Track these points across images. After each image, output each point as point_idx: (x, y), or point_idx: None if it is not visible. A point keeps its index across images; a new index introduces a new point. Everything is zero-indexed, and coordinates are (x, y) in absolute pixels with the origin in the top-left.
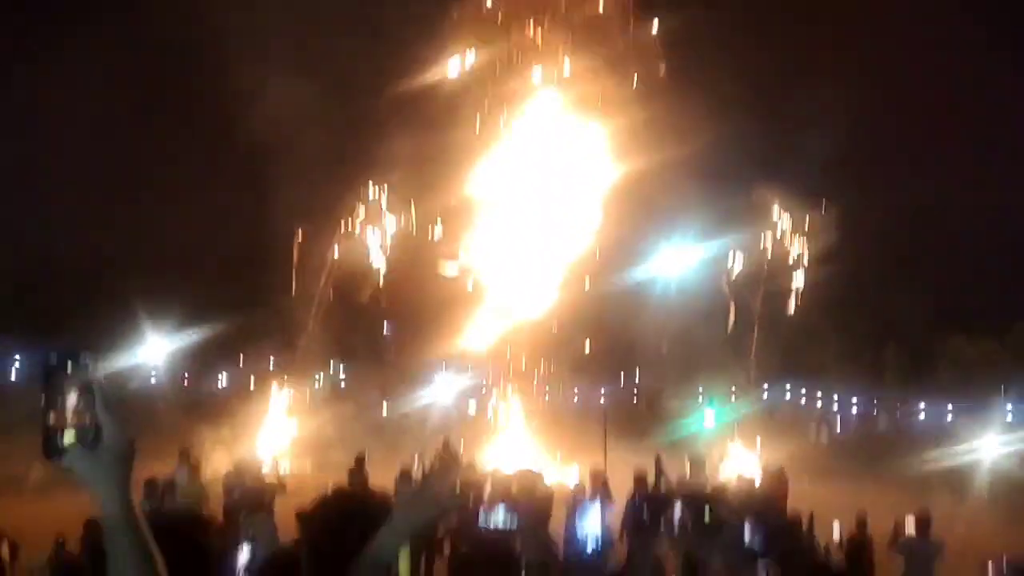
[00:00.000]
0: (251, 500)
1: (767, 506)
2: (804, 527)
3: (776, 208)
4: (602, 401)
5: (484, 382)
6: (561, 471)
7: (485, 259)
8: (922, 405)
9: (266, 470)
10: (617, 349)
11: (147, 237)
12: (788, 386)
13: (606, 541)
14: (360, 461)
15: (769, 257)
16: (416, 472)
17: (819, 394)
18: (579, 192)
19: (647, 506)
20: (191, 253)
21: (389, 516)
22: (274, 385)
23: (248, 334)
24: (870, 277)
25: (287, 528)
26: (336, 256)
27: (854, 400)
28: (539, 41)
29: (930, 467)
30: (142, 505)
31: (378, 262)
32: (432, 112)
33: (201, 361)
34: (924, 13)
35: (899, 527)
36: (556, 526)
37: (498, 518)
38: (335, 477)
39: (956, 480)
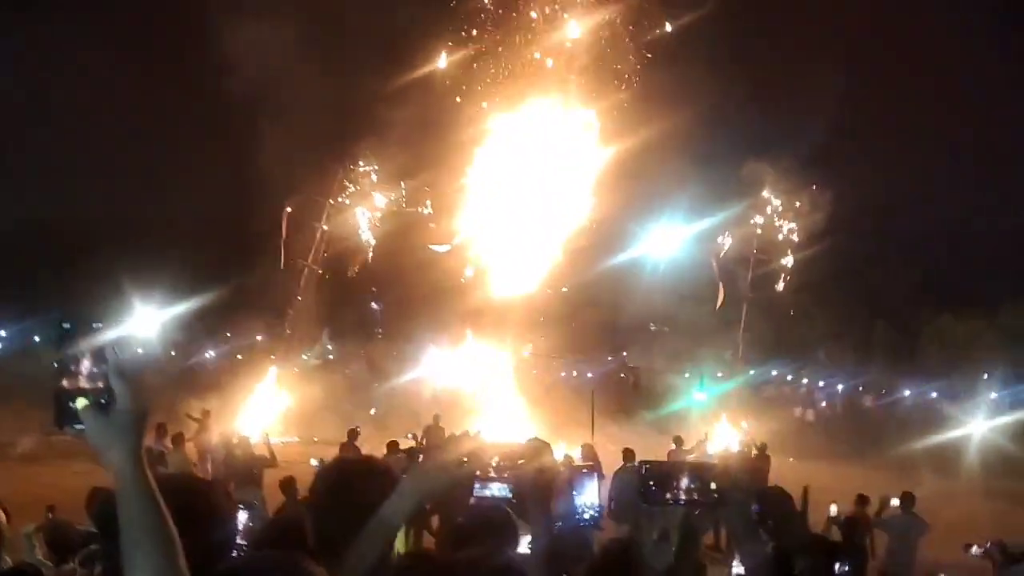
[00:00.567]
0: (239, 472)
1: (757, 481)
2: (799, 502)
3: (766, 188)
4: (589, 376)
5: (473, 359)
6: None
7: (476, 237)
8: (908, 386)
9: (256, 443)
10: (607, 327)
11: (134, 208)
12: (775, 365)
13: (601, 512)
14: (352, 434)
15: (758, 237)
16: (409, 444)
17: (806, 373)
18: (571, 171)
19: (654, 475)
20: (179, 225)
21: (399, 484)
22: (263, 358)
23: (236, 307)
24: (859, 256)
25: (275, 502)
26: (325, 230)
27: (840, 380)
28: (533, 22)
29: (916, 446)
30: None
31: (367, 236)
32: (423, 90)
33: (189, 333)
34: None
35: (884, 504)
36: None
37: (494, 489)
38: (325, 451)
39: (942, 459)
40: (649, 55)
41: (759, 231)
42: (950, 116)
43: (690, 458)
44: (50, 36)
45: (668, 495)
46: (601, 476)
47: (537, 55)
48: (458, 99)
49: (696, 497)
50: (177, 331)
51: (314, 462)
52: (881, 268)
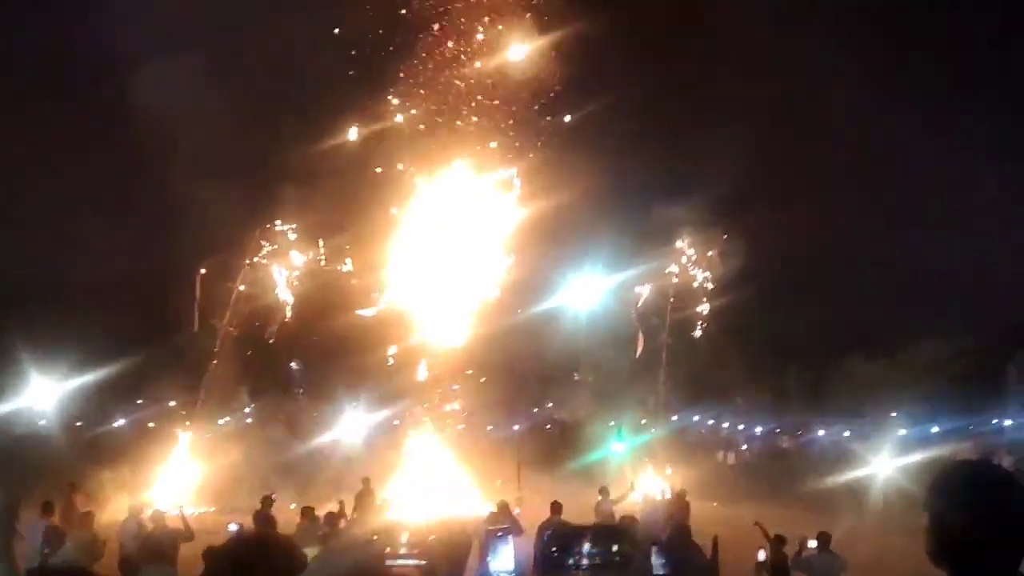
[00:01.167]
0: (152, 549)
1: (673, 532)
2: (709, 552)
3: (680, 239)
4: (515, 428)
5: (397, 418)
6: (475, 503)
7: (399, 295)
8: (821, 426)
9: (171, 514)
10: (531, 378)
11: (41, 271)
12: (696, 411)
13: (521, 573)
14: (266, 501)
15: (674, 285)
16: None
17: (726, 418)
18: (490, 227)
19: (557, 540)
20: (88, 288)
21: (308, 567)
22: (177, 425)
23: (149, 372)
24: (770, 302)
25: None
26: (241, 290)
27: (758, 424)
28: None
29: (831, 485)
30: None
31: (285, 296)
32: (340, 151)
33: (97, 401)
34: (819, 48)
35: (802, 545)
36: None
37: (405, 562)
38: (243, 520)
39: (855, 497)
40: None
41: (675, 280)
42: (859, 166)
43: (615, 508)
44: None
45: (571, 560)
46: (517, 534)
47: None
48: (378, 170)
49: (598, 561)
50: (84, 400)
51: (233, 527)
52: (792, 313)
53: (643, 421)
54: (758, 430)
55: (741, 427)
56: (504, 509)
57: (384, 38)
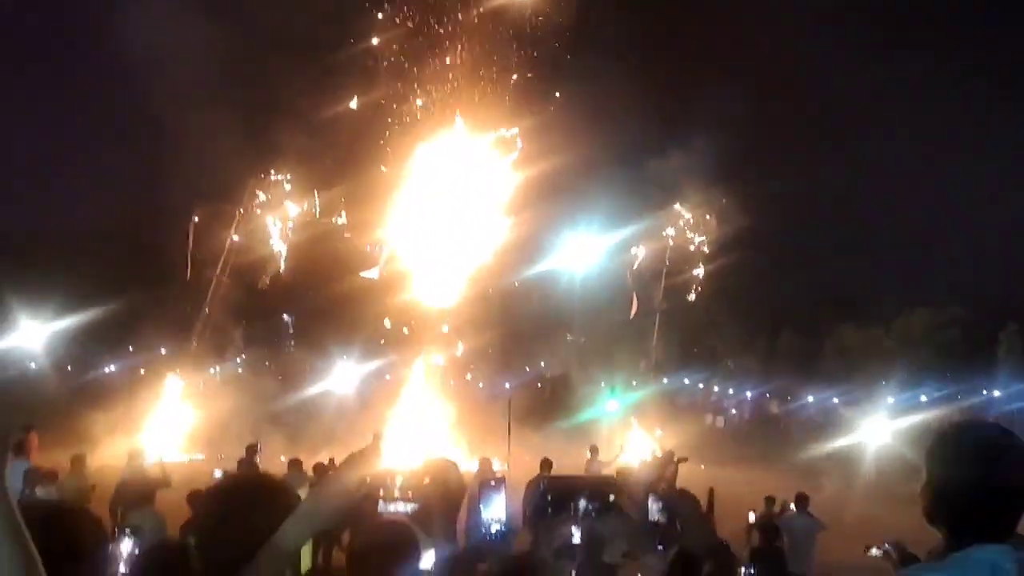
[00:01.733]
0: (132, 494)
1: (668, 484)
2: (705, 504)
3: (678, 202)
4: (507, 386)
5: (388, 372)
6: (463, 459)
7: (394, 248)
8: (811, 392)
9: (151, 462)
10: (523, 338)
11: (36, 219)
12: (687, 374)
13: (510, 528)
14: (251, 450)
15: (671, 249)
16: (322, 464)
17: (716, 381)
18: (488, 186)
19: (552, 495)
20: (82, 236)
21: (297, 507)
22: (167, 373)
23: (140, 320)
24: (765, 268)
25: (175, 522)
26: (235, 240)
27: (748, 388)
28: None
29: (819, 451)
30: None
31: (279, 247)
32: (340, 103)
33: (87, 346)
34: (820, 5)
35: (784, 507)
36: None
37: (399, 507)
38: (229, 468)
39: (843, 463)
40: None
41: (671, 242)
42: (853, 134)
43: (606, 469)
44: None
45: (566, 510)
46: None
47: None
48: (385, 137)
49: (593, 510)
50: (75, 345)
51: (218, 473)
52: (786, 279)
53: (634, 382)
54: (748, 394)
55: (731, 391)
56: (485, 465)
57: None
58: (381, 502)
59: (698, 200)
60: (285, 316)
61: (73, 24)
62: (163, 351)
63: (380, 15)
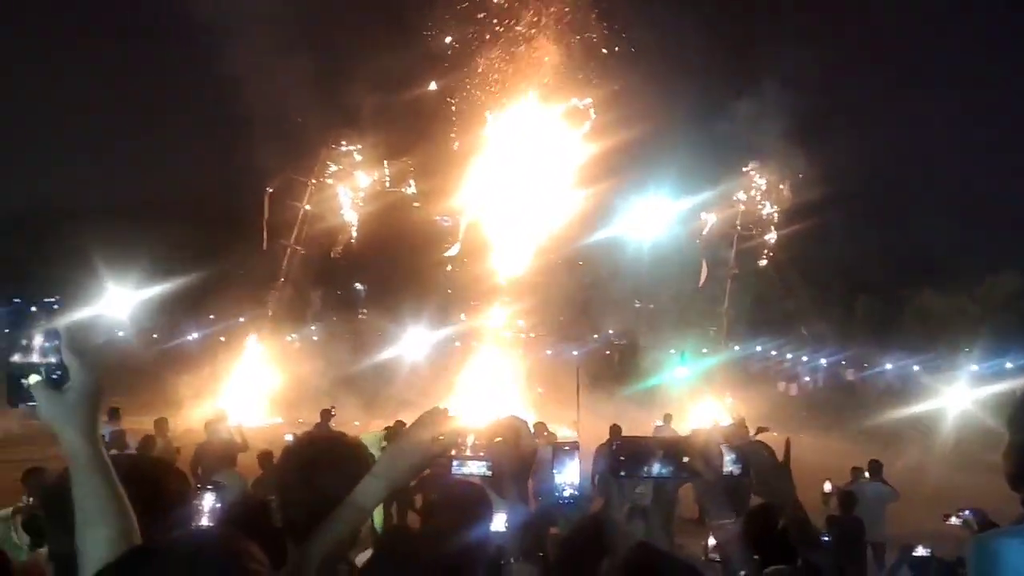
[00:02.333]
0: (212, 456)
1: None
2: (781, 454)
3: (749, 165)
4: (575, 353)
5: (458, 339)
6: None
7: (464, 216)
8: (890, 359)
9: (231, 427)
10: (592, 305)
11: (118, 191)
12: (759, 341)
13: (583, 493)
14: (326, 414)
15: (742, 213)
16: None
17: (789, 348)
18: (557, 153)
19: (625, 452)
20: (162, 207)
21: (373, 466)
22: (245, 340)
23: (219, 288)
24: (841, 232)
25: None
26: (308, 210)
27: (823, 355)
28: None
29: (896, 419)
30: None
31: (350, 216)
32: (409, 73)
33: (171, 315)
34: None
35: (855, 475)
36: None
37: (472, 467)
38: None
39: (922, 431)
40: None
41: (742, 207)
42: (932, 95)
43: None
44: (27, 19)
45: (639, 470)
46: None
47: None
48: (452, 103)
49: (666, 472)
50: (159, 313)
51: (289, 437)
52: (863, 243)
53: (704, 350)
54: (823, 361)
55: (805, 358)
56: (540, 430)
57: None
58: (454, 463)
59: (770, 163)
60: (357, 284)
61: (155, 8)
62: (242, 319)
63: None
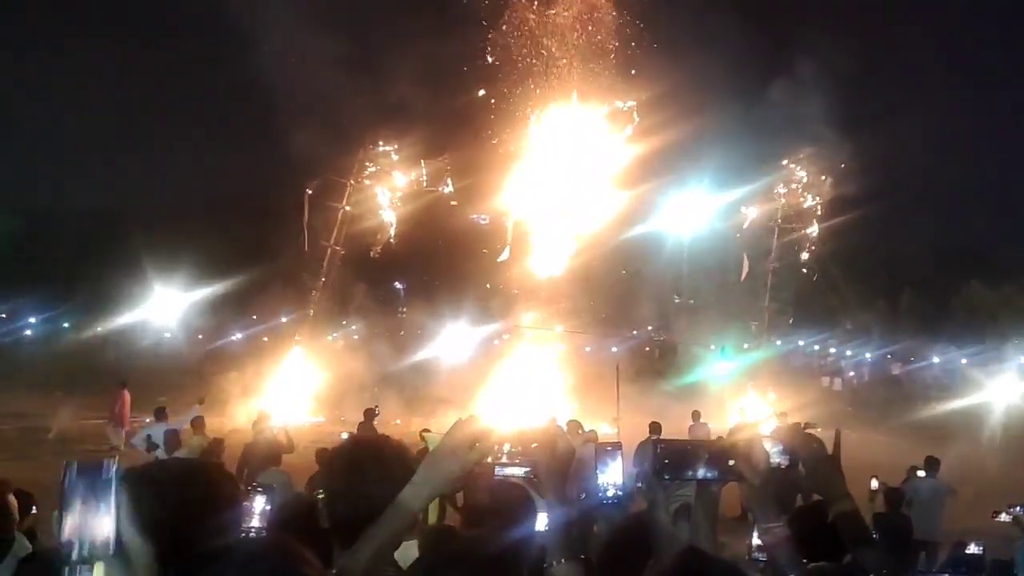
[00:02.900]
0: (258, 457)
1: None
2: (831, 446)
3: (791, 159)
4: (614, 350)
5: (497, 338)
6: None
7: (503, 214)
8: (936, 352)
9: (276, 428)
10: (631, 300)
11: (158, 195)
12: (802, 335)
13: (626, 493)
14: (369, 413)
15: (783, 207)
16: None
17: (833, 343)
18: (597, 150)
19: (668, 453)
20: (203, 210)
21: (416, 472)
22: (288, 340)
23: (262, 289)
24: (885, 224)
25: (299, 481)
26: (347, 210)
27: (868, 349)
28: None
29: (944, 413)
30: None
31: (388, 216)
32: (446, 71)
33: (216, 316)
34: None
35: (910, 473)
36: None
37: (512, 470)
38: (351, 431)
39: (970, 425)
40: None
41: (783, 201)
42: (977, 85)
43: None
44: (68, 22)
45: (683, 473)
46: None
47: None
48: (481, 92)
49: (711, 476)
50: (204, 314)
51: (345, 436)
52: (908, 235)
53: (745, 345)
54: (867, 356)
55: (849, 352)
56: (573, 428)
57: None
58: (497, 468)
59: (812, 155)
60: (397, 283)
61: (196, 11)
62: (284, 319)
63: None
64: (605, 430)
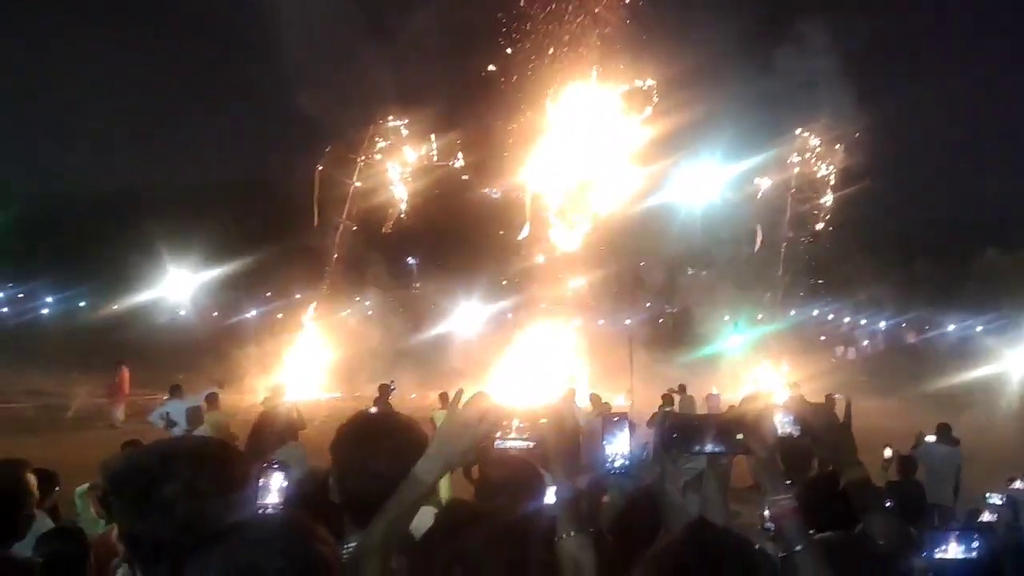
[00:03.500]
0: (271, 433)
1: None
2: (841, 415)
3: (804, 129)
4: (627, 323)
5: (510, 312)
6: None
7: (516, 187)
8: (951, 321)
9: (287, 406)
10: (645, 272)
11: (169, 174)
12: (816, 306)
13: (633, 463)
14: (384, 388)
15: (796, 177)
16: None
17: (847, 313)
18: (614, 132)
19: (677, 431)
20: (214, 189)
21: (429, 446)
22: (302, 316)
23: (275, 266)
24: (899, 193)
25: (314, 457)
26: (358, 186)
27: (882, 318)
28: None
29: (959, 381)
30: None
31: (399, 192)
32: (456, 46)
33: (230, 294)
34: None
35: (919, 439)
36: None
37: (515, 443)
38: (367, 406)
39: (986, 393)
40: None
41: (797, 171)
42: (992, 51)
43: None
44: (79, 5)
45: (691, 447)
46: (634, 427)
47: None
48: (491, 67)
49: (719, 449)
50: (218, 291)
51: (373, 411)
52: (922, 204)
53: (759, 316)
54: (882, 325)
55: (863, 322)
56: (595, 400)
57: None
58: (498, 440)
59: (825, 124)
60: (410, 259)
61: None
62: (298, 295)
63: None
64: (619, 402)
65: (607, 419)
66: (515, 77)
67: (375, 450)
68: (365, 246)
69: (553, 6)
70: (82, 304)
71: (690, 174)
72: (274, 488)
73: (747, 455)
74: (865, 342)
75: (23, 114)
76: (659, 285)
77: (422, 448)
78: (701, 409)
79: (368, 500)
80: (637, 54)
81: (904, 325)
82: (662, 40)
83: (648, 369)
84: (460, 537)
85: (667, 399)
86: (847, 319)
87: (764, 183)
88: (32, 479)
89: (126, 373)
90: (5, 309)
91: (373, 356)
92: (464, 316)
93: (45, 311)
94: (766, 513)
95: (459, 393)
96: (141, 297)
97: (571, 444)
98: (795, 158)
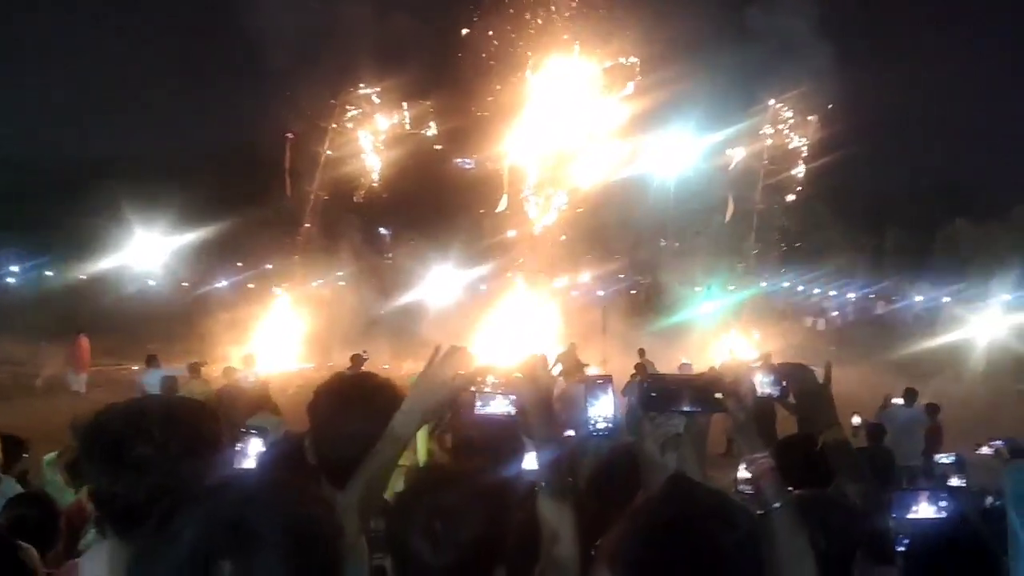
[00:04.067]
0: (246, 400)
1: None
2: (821, 376)
3: (776, 99)
4: (600, 294)
5: (484, 283)
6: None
7: (489, 155)
8: (920, 291)
9: (252, 378)
10: (617, 242)
11: (140, 142)
12: (787, 276)
13: (616, 425)
14: (356, 359)
15: (768, 147)
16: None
17: (818, 283)
18: (582, 90)
19: (656, 391)
20: (184, 157)
21: (405, 400)
22: (273, 286)
23: (246, 236)
24: (870, 164)
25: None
26: (329, 155)
27: (852, 289)
28: None
29: (927, 349)
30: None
31: (371, 161)
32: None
33: (200, 263)
34: None
35: (886, 401)
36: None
37: (496, 406)
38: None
39: (954, 362)
40: None
41: (769, 141)
42: (961, 21)
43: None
44: None
45: (669, 407)
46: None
47: None
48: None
49: (697, 408)
50: (188, 261)
51: None
52: (892, 175)
53: (731, 286)
54: (851, 296)
55: (833, 293)
56: (572, 350)
57: None
58: (478, 402)
59: (798, 95)
60: (381, 229)
61: None
62: (269, 265)
63: None
64: (593, 371)
65: (590, 382)
66: (495, 43)
67: (352, 411)
68: (337, 215)
69: None
70: (49, 273)
71: (663, 145)
72: (252, 453)
73: (725, 414)
74: (835, 313)
75: None
76: (632, 255)
77: (397, 408)
78: None
79: (345, 461)
80: (615, 27)
81: (873, 296)
82: (640, 13)
83: (621, 339)
84: (439, 494)
85: (640, 368)
86: (817, 290)
87: (737, 153)
88: None
89: (84, 342)
90: None
91: (346, 326)
92: (438, 286)
93: (11, 280)
94: (741, 475)
95: (437, 348)
96: (110, 265)
97: (547, 401)
98: (768, 129)
